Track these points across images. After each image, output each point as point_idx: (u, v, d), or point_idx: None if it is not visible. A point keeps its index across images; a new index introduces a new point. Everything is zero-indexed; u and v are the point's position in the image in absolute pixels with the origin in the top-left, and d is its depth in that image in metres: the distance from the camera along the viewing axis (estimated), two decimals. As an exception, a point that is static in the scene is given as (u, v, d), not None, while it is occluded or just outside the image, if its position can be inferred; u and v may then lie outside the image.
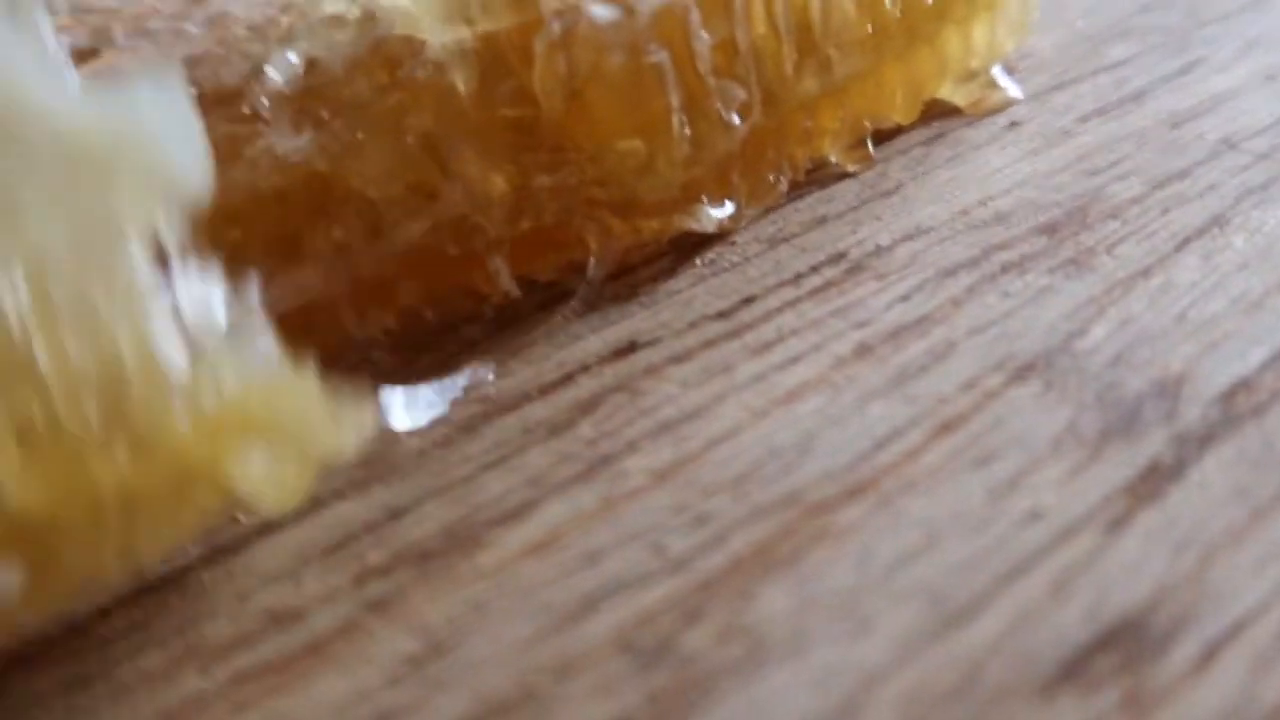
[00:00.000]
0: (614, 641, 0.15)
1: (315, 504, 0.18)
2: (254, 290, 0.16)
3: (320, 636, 0.16)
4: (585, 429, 0.19)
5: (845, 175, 0.25)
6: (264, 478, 0.16)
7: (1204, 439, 0.17)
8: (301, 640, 0.16)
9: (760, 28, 0.21)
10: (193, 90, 0.19)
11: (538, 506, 0.17)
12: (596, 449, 0.18)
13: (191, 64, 0.20)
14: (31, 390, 0.14)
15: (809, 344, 0.20)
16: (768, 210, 0.24)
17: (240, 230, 0.21)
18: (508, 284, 0.22)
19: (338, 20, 0.20)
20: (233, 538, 0.18)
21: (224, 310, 0.16)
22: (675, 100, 0.20)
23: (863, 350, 0.19)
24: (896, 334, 0.20)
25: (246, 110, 0.20)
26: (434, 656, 0.15)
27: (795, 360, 0.19)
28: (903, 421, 0.18)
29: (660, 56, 0.20)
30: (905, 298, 0.21)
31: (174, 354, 0.15)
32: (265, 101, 0.19)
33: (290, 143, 0.20)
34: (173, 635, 0.16)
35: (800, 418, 0.18)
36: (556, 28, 0.20)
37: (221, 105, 0.19)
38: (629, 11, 0.20)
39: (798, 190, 0.24)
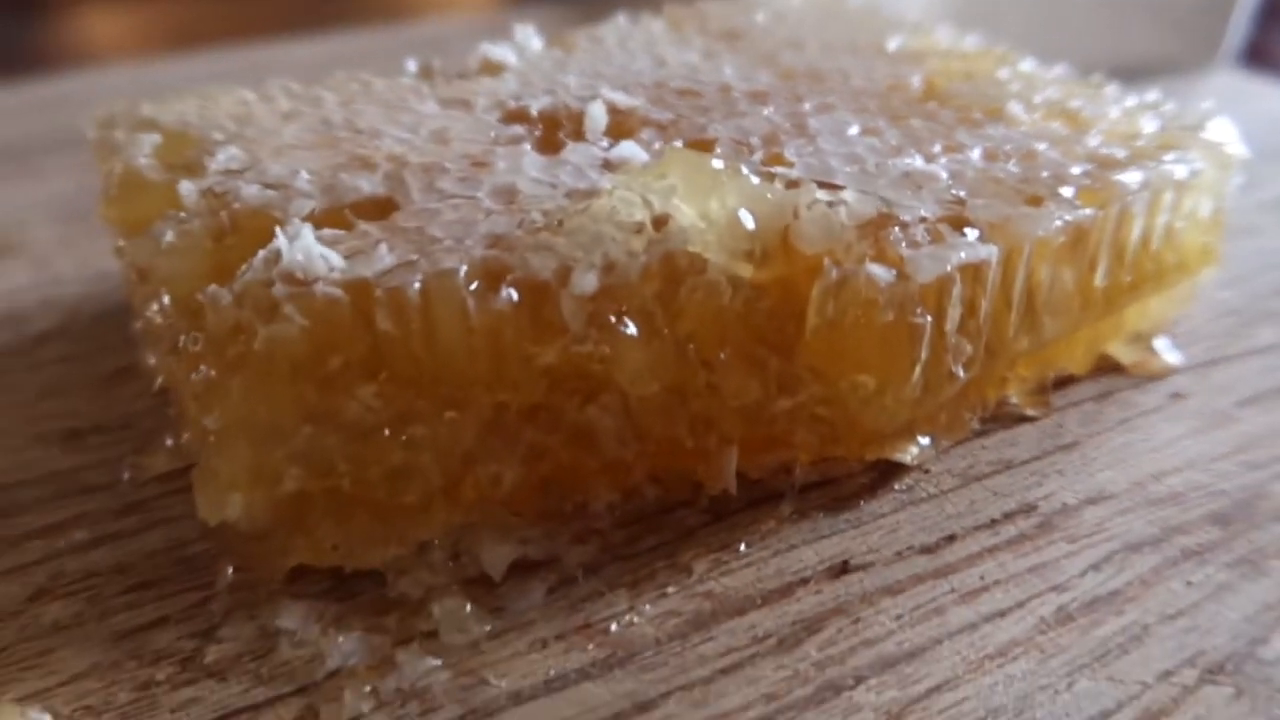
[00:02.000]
0: None
1: (562, 679, 0.20)
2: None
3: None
4: (810, 649, 0.21)
5: (1024, 419, 0.27)
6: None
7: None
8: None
9: (999, 298, 0.24)
10: (508, 273, 0.21)
11: (776, 725, 0.19)
12: (824, 673, 0.20)
13: (493, 243, 0.22)
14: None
15: (1013, 599, 0.22)
16: (957, 443, 0.26)
17: (501, 395, 0.23)
18: (730, 480, 0.24)
19: (638, 227, 0.22)
20: (488, 701, 0.19)
21: None
22: (924, 354, 0.23)
23: (1064, 617, 0.21)
24: (1093, 605, 0.22)
25: (549, 313, 0.21)
26: None
27: (1002, 614, 0.21)
28: (1110, 704, 0.20)
29: (924, 320, 0.22)
30: (1097, 567, 0.23)
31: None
32: (570, 304, 0.21)
33: (579, 340, 0.22)
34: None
35: (1013, 679, 0.20)
36: (835, 276, 0.22)
37: (534, 295, 0.21)
38: (904, 277, 0.22)
39: (983, 428, 0.26)
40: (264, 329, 0.21)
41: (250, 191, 0.24)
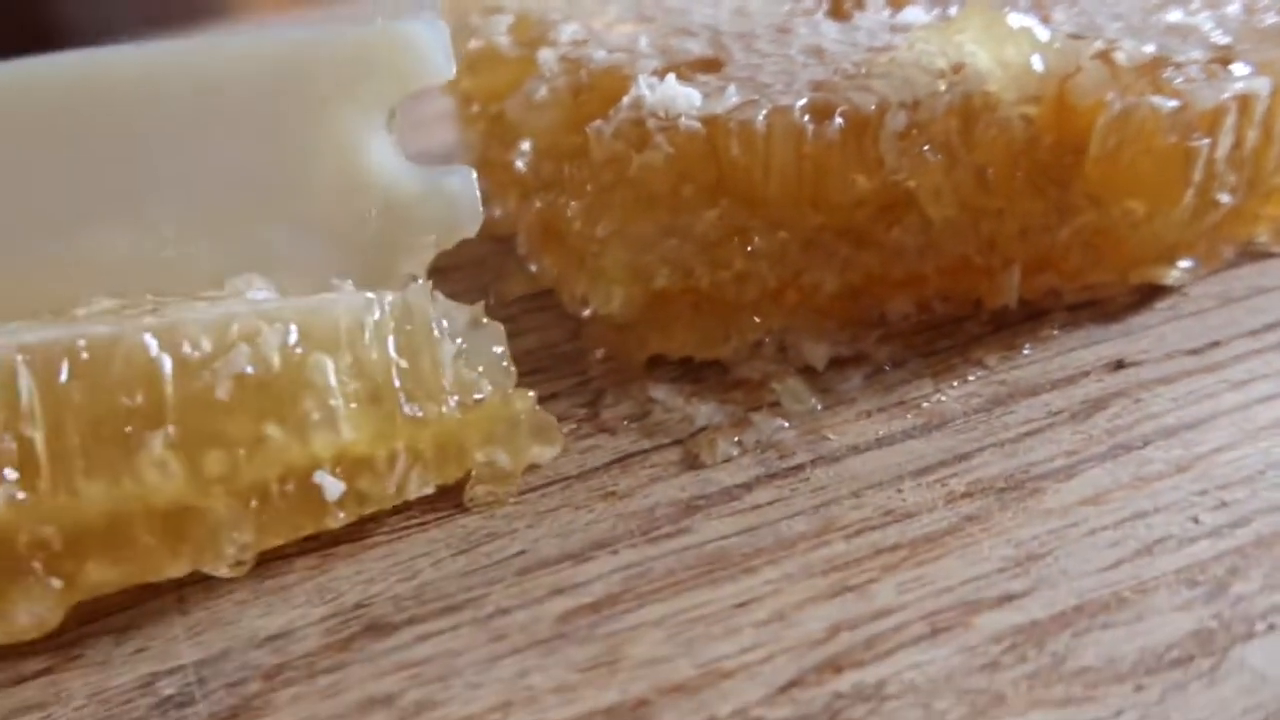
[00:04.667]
0: (1177, 577, 0.20)
1: (890, 438, 0.24)
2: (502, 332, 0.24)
3: (933, 532, 0.22)
4: (1100, 421, 0.24)
5: (1270, 255, 0.29)
6: (490, 463, 0.24)
7: None
8: (919, 533, 0.22)
9: (1263, 132, 0.26)
10: (836, 107, 0.25)
11: (1079, 472, 0.23)
12: (1115, 438, 0.24)
13: (815, 87, 0.26)
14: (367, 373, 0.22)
15: (1278, 388, 0.25)
16: (1211, 273, 0.29)
17: (822, 217, 0.27)
18: (1012, 294, 0.27)
19: (940, 73, 0.26)
20: (831, 450, 0.24)
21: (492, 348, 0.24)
22: (1196, 178, 0.26)
23: (1328, 401, 0.24)
24: (1355, 391, 0.25)
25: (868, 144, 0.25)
26: (1031, 561, 0.21)
27: (1271, 399, 0.24)
28: (1379, 463, 0.23)
29: (1202, 143, 0.25)
30: (1356, 365, 0.25)
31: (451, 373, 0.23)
32: (887, 137, 0.25)
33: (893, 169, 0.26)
34: (811, 511, 0.22)
35: (1288, 444, 0.23)
36: (1118, 107, 0.25)
37: (857, 127, 0.25)
38: (1184, 106, 0.25)
39: (1235, 260, 0.29)
40: (638, 157, 0.26)
41: (600, 55, 0.29)
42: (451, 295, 0.25)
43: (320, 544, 0.22)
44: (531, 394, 0.24)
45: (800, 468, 0.24)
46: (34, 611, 0.20)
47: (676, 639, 0.20)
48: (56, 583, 0.20)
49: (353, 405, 0.22)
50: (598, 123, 0.26)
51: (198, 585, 0.22)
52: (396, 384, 0.23)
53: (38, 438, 0.20)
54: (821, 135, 0.25)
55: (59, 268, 0.23)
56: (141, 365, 0.21)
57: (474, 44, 0.31)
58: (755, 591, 0.21)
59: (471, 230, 0.25)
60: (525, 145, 0.29)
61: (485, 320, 0.24)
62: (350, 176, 0.24)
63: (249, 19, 0.57)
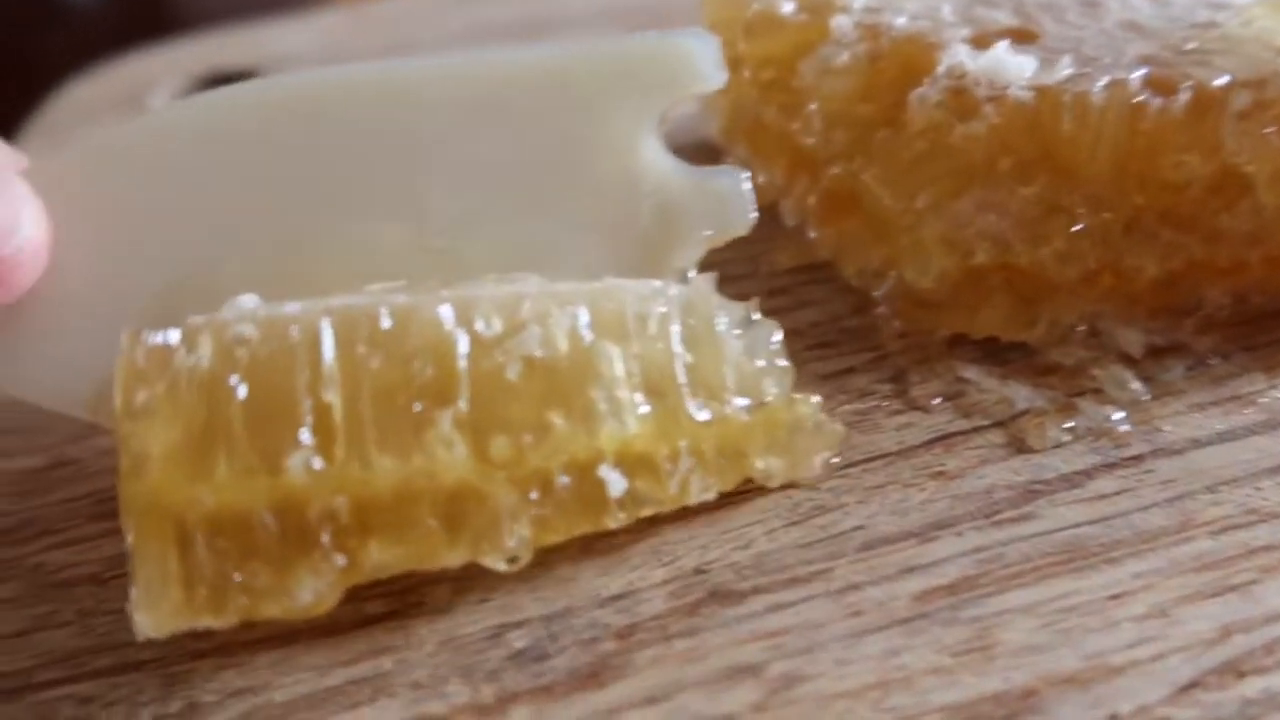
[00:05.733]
0: None
1: (1232, 433, 0.23)
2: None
3: None
4: None
5: None
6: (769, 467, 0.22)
7: None
8: None
9: None
10: (1178, 83, 0.24)
11: None
12: None
13: (1146, 61, 0.25)
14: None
15: None
16: None
17: (1144, 198, 0.25)
18: (1339, 291, 0.26)
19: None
20: (1170, 443, 0.23)
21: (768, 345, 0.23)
22: None
23: None
24: None
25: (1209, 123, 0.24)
26: None
27: None
28: None
29: None
30: None
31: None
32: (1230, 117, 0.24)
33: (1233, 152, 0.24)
34: (1165, 504, 0.21)
35: None
36: None
37: (1198, 105, 0.24)
38: None
39: None
40: (960, 126, 0.25)
41: (899, 23, 0.28)
42: (715, 266, 0.25)
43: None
44: (815, 399, 0.23)
45: (1140, 458, 0.22)
46: (317, 589, 0.20)
47: (1051, 628, 0.19)
48: (341, 560, 0.20)
49: (637, 397, 0.21)
50: (921, 89, 0.25)
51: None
52: (682, 379, 0.22)
53: (336, 403, 0.20)
54: (1166, 111, 0.24)
55: (343, 253, 0.23)
56: (436, 338, 0.20)
57: (754, 9, 0.31)
58: (1125, 585, 0.20)
59: (743, 229, 0.24)
60: (813, 110, 0.28)
61: (757, 317, 0.23)
62: (624, 177, 0.24)
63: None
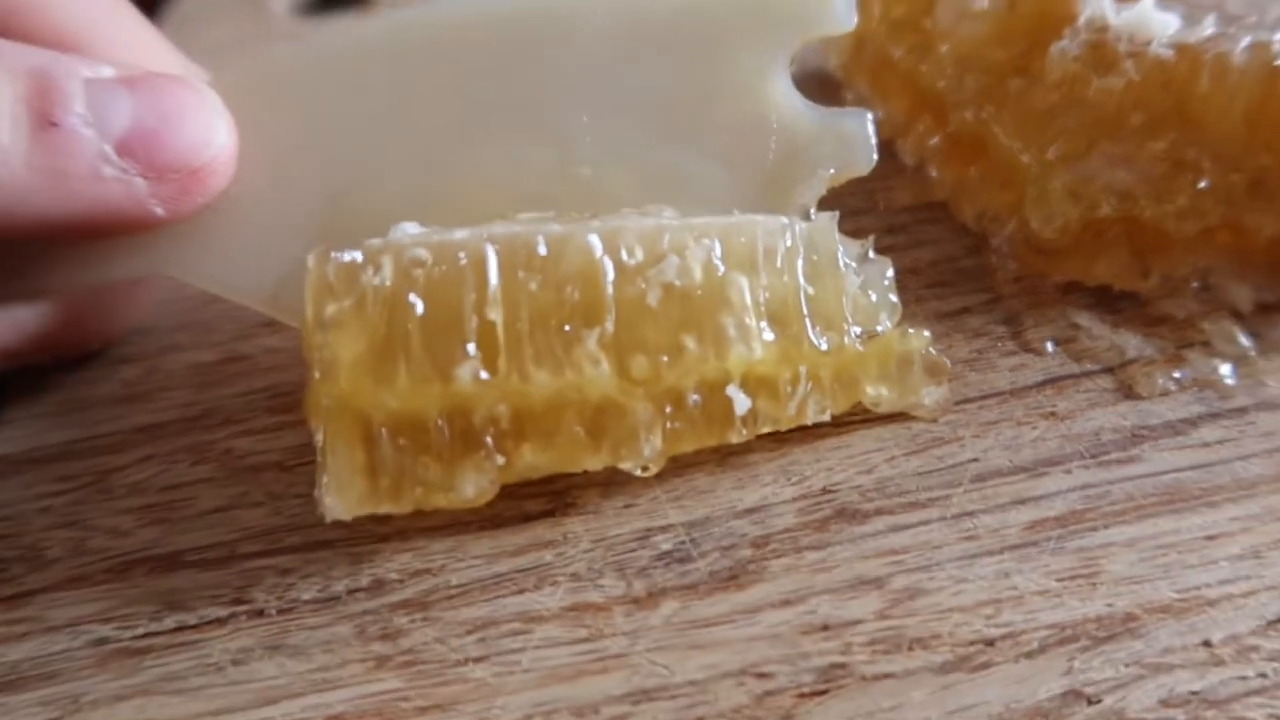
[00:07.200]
0: None
1: None
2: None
3: None
4: None
5: None
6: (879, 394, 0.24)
7: None
8: None
9: None
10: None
11: None
12: None
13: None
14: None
15: None
16: None
17: (1271, 159, 0.26)
18: None
19: None
20: (1273, 397, 0.24)
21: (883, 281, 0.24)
22: None
23: None
24: None
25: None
26: None
27: None
28: None
29: None
30: None
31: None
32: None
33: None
34: (1265, 455, 0.23)
35: None
36: None
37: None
38: None
39: None
40: (1098, 80, 0.25)
41: (1042, -31, 0.28)
42: (832, 200, 0.26)
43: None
44: (926, 333, 0.24)
45: (1244, 410, 0.24)
46: (479, 484, 0.22)
47: (1151, 562, 0.21)
48: (500, 459, 0.22)
49: (763, 325, 0.23)
50: (1061, 42, 0.26)
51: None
52: (804, 310, 0.23)
53: (499, 322, 0.22)
54: (1304, 74, 0.24)
55: (493, 176, 0.25)
56: (586, 265, 0.22)
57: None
58: (1223, 527, 0.21)
59: (865, 170, 0.25)
60: (944, 52, 0.29)
61: (873, 255, 0.25)
62: (754, 113, 0.25)
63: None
